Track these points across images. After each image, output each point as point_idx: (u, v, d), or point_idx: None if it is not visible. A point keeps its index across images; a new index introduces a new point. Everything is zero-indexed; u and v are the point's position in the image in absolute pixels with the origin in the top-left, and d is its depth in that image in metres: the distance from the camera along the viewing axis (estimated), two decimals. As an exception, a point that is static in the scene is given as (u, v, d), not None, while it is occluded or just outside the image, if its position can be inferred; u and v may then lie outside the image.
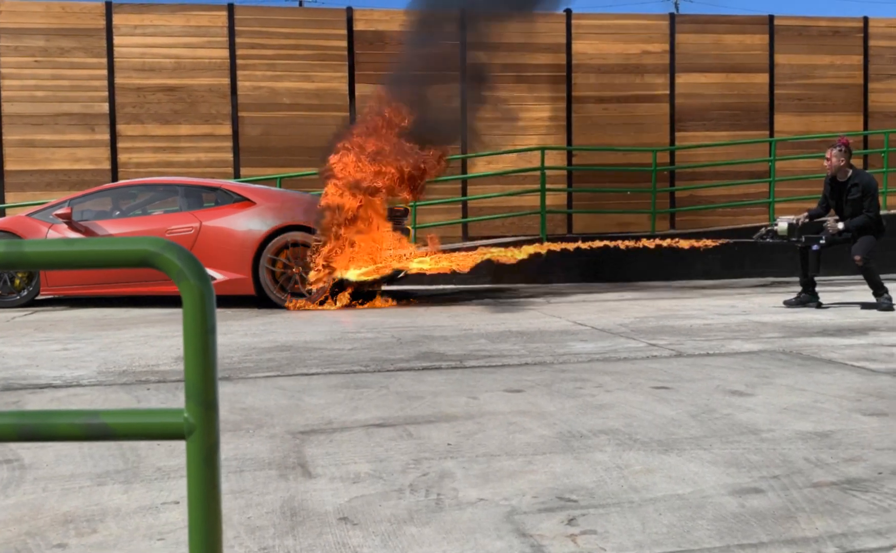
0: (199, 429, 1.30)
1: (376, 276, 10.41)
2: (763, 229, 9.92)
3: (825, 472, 3.13)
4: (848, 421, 3.93)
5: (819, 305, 9.32)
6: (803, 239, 9.42)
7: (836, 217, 9.40)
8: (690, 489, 2.96)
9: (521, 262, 12.22)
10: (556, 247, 11.73)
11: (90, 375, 5.44)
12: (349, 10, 15.57)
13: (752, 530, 2.58)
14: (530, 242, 11.95)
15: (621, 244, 11.24)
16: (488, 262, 12.04)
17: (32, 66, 14.80)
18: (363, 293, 10.91)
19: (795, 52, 16.80)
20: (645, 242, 11.22)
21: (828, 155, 9.34)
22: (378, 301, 10.68)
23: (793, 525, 2.61)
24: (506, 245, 11.77)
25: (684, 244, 11.05)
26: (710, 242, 11.31)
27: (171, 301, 10.65)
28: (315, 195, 12.02)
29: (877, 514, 2.69)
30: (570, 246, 11.60)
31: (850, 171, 9.27)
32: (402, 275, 11.72)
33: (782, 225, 9.53)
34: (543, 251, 11.50)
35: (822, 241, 9.29)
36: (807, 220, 9.54)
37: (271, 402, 4.54)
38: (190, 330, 1.30)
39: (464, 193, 15.69)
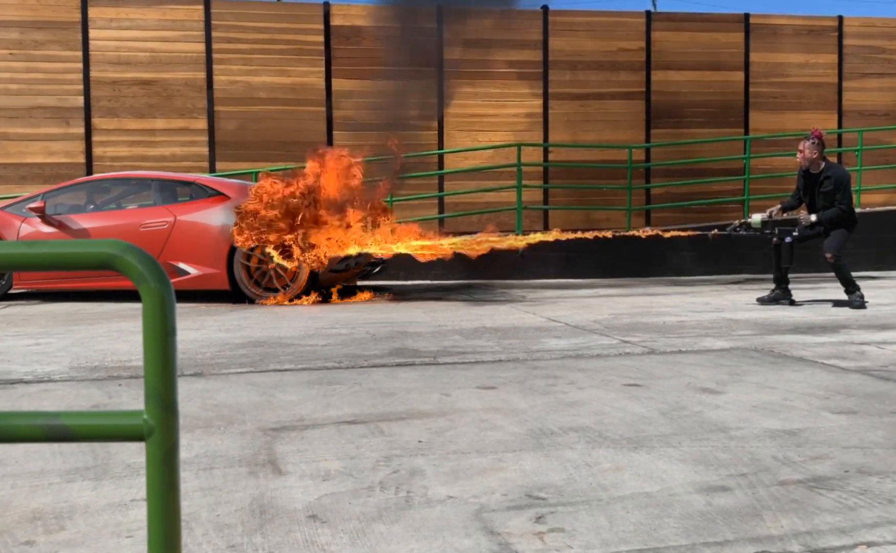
0: (158, 430, 1.31)
1: (354, 255, 10.38)
2: (737, 222, 9.99)
3: (792, 470, 3.16)
4: (816, 419, 3.96)
5: (792, 303, 9.39)
6: (776, 232, 9.49)
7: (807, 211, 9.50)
8: (659, 487, 2.98)
9: (497, 257, 12.26)
10: (539, 237, 11.73)
11: (62, 371, 5.42)
12: (326, 5, 15.54)
13: (719, 528, 2.60)
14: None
15: (600, 234, 11.26)
16: (465, 257, 12.05)
17: (7, 58, 14.68)
18: (338, 289, 10.90)
19: (770, 50, 16.91)
20: (620, 233, 11.29)
21: (801, 147, 9.39)
22: (353, 296, 10.68)
23: (759, 523, 2.64)
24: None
25: (658, 232, 11.08)
26: (684, 233, 11.37)
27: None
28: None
29: (842, 513, 2.72)
30: (552, 236, 11.59)
31: (823, 164, 9.33)
32: (377, 269, 11.72)
33: (756, 217, 9.60)
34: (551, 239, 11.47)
35: (795, 234, 9.36)
36: (780, 213, 9.61)
37: (243, 398, 4.53)
38: (150, 333, 1.30)
39: (440, 189, 15.70)
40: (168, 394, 1.30)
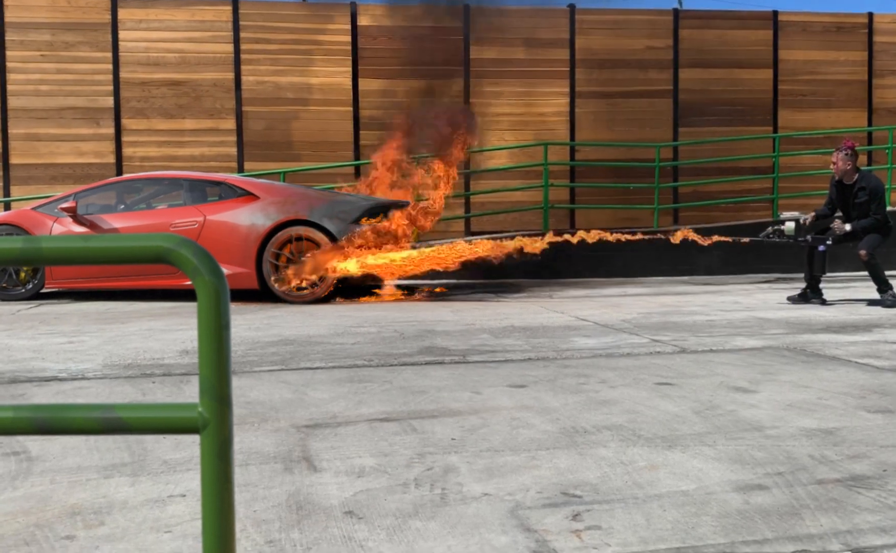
0: (213, 423, 1.32)
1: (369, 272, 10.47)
2: (770, 229, 9.89)
3: (830, 469, 3.14)
4: (852, 418, 3.94)
5: (823, 302, 9.32)
6: (809, 238, 9.42)
7: (842, 215, 9.40)
8: (695, 485, 2.97)
9: (524, 256, 12.22)
10: (552, 240, 11.68)
11: (95, 368, 5.46)
12: (353, 5, 15.57)
13: (757, 527, 2.59)
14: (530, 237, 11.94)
15: (624, 237, 11.20)
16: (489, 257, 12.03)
17: (38, 60, 14.82)
18: (366, 287, 10.93)
19: (799, 47, 16.79)
20: (646, 236, 11.22)
21: (834, 159, 9.34)
22: (381, 295, 10.70)
23: (797, 522, 2.62)
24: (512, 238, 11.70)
25: (682, 235, 11.03)
26: (715, 239, 11.29)
27: (175, 295, 10.67)
28: (319, 190, 12.03)
29: (882, 512, 2.70)
30: (573, 238, 11.56)
31: (857, 175, 9.27)
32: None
33: (789, 225, 9.54)
34: (540, 248, 11.48)
35: (829, 242, 9.29)
36: (814, 220, 9.56)
37: (276, 395, 4.56)
38: (204, 326, 1.31)
39: (466, 188, 15.69)
40: (223, 387, 1.31)
